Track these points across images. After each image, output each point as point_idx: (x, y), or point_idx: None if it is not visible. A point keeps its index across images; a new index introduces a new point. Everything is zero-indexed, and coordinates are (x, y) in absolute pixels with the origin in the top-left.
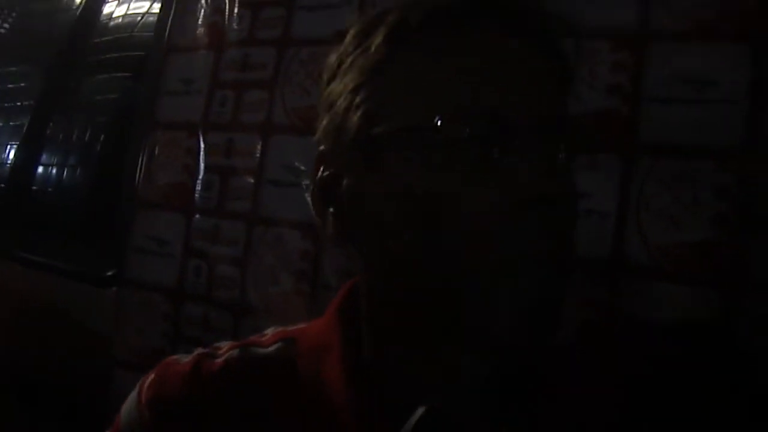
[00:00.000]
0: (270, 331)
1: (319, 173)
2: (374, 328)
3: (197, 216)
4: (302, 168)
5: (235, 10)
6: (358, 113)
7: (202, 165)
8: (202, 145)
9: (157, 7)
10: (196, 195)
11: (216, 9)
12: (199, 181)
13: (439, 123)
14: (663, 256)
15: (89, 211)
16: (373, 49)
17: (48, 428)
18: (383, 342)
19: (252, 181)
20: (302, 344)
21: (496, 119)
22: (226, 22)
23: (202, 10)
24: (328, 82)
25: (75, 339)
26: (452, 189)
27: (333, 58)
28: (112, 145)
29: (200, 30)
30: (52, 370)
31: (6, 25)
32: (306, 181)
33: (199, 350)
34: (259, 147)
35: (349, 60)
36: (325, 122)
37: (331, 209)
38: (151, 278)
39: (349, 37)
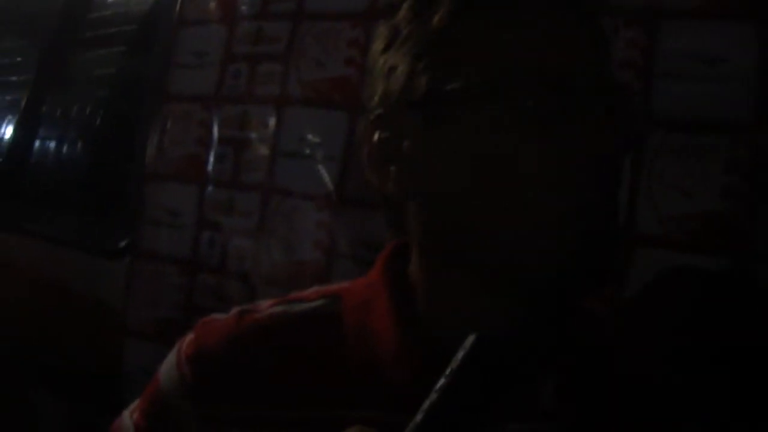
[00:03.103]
0: (311, 290)
1: (376, 136)
2: (429, 283)
3: (210, 188)
4: (316, 140)
5: None
6: (425, 77)
7: (215, 137)
8: (215, 118)
9: None
10: (209, 167)
11: None
12: (212, 153)
13: (508, 84)
14: (674, 225)
15: (93, 184)
16: (436, 18)
17: (60, 402)
18: (437, 296)
19: (266, 153)
20: (347, 300)
21: (562, 83)
22: None
23: None
24: (383, 51)
25: (86, 312)
26: (515, 148)
27: (385, 29)
28: (113, 119)
29: (212, 3)
30: (63, 344)
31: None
32: (321, 153)
33: (238, 308)
34: (273, 119)
35: (407, 29)
36: (382, 88)
37: (393, 168)
38: (164, 250)
39: (404, 8)
